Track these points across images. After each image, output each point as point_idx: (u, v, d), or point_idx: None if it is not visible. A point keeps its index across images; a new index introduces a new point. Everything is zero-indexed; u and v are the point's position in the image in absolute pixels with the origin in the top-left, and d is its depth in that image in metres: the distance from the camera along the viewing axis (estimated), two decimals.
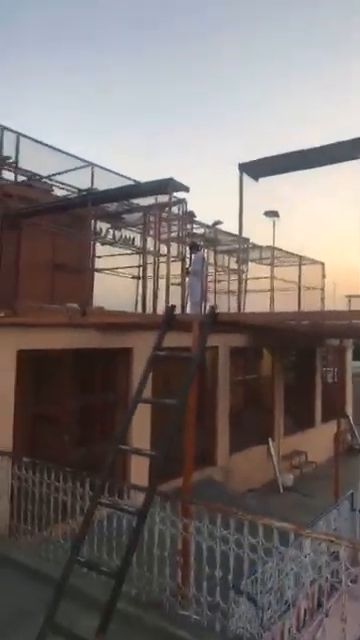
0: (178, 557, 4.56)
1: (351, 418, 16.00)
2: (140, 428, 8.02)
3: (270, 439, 12.12)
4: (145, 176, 7.65)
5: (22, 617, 4.34)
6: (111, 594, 3.63)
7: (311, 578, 4.00)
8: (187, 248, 10.40)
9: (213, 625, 4.11)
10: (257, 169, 5.84)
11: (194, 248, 10.20)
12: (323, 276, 13.69)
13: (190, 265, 9.91)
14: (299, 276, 12.76)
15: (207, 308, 7.54)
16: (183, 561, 4.53)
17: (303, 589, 4.05)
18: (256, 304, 11.08)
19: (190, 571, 4.37)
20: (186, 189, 6.44)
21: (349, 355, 16.70)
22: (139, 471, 7.61)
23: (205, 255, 10.84)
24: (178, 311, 6.37)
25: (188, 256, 10.17)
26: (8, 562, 5.43)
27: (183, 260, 9.16)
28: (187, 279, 9.69)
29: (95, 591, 4.37)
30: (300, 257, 12.98)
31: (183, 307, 8.80)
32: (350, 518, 7.22)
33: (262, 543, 3.96)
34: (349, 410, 16.34)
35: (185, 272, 9.47)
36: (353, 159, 5.26)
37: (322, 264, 13.69)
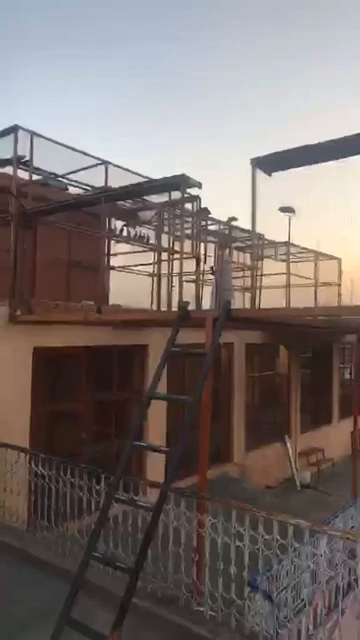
0: (193, 553, 4.56)
1: None
2: (156, 424, 8.05)
3: (287, 436, 12.05)
4: (160, 175, 7.64)
5: (39, 612, 4.39)
6: (126, 589, 3.65)
7: (327, 576, 3.96)
8: (218, 247, 10.41)
9: (228, 621, 4.11)
10: (270, 163, 5.77)
11: (224, 247, 10.19)
12: (340, 272, 13.55)
13: (220, 263, 9.90)
14: (315, 272, 12.64)
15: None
16: (198, 557, 4.53)
17: (319, 587, 4.02)
18: (272, 301, 11.00)
19: (205, 567, 4.37)
20: (199, 185, 6.39)
21: None
22: (156, 467, 7.64)
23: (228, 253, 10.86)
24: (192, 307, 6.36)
25: (219, 253, 10.17)
26: (26, 557, 5.50)
27: (197, 258, 9.13)
28: (217, 276, 9.68)
29: (111, 586, 4.40)
30: (316, 253, 12.85)
31: (198, 304, 8.77)
32: None
33: (277, 540, 3.94)
34: None
35: (210, 270, 9.46)
36: None
37: (339, 260, 13.54)
